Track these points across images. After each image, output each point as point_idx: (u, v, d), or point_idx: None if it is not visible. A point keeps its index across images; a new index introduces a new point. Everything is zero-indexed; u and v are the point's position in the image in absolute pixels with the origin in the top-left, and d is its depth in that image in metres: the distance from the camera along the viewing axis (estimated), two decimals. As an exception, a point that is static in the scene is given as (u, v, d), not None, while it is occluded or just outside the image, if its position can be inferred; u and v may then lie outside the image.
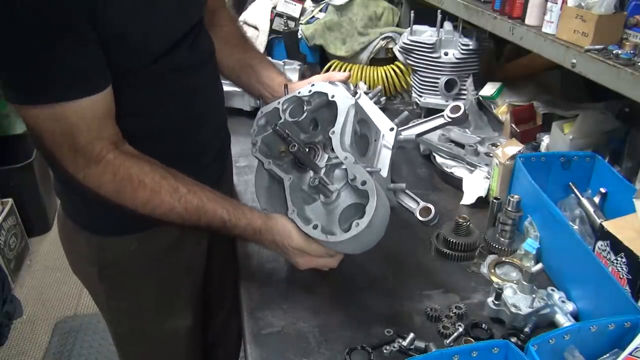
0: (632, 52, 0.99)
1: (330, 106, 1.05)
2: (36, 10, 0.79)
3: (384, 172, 1.04)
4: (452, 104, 1.12)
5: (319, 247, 1.00)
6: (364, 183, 0.92)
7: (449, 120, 1.12)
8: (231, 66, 1.30)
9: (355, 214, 0.92)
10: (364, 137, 1.09)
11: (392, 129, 1.09)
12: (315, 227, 0.95)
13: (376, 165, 1.05)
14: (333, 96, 1.04)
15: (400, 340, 0.96)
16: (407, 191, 1.05)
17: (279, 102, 1.10)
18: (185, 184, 0.99)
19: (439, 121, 1.14)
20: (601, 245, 1.01)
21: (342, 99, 1.03)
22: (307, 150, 1.04)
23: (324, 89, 1.06)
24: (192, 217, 1.00)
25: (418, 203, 1.03)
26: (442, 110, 1.19)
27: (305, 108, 1.07)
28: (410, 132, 1.19)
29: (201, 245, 1.27)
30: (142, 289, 1.21)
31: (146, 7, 0.93)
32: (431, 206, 0.99)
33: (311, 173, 1.02)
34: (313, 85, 1.08)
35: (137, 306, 1.23)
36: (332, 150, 1.01)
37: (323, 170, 1.00)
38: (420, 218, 1.00)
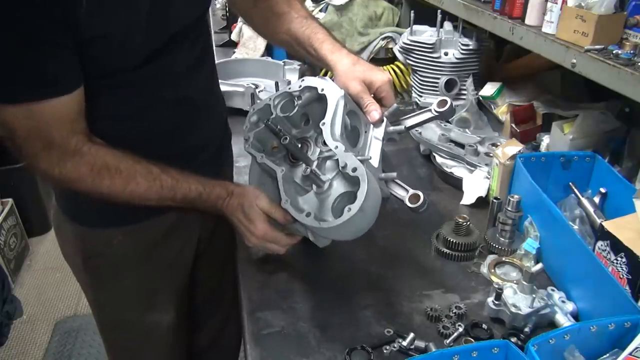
0: (632, 52, 0.99)
1: (321, 101, 1.06)
2: (8, 14, 0.80)
3: (375, 162, 1.05)
4: (439, 98, 1.13)
5: (285, 214, 1.02)
6: (354, 170, 0.93)
7: (436, 114, 1.12)
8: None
9: (348, 203, 0.93)
10: (354, 130, 1.10)
11: (382, 121, 1.10)
12: (308, 215, 0.96)
13: (367, 155, 1.06)
14: (322, 89, 1.05)
15: (400, 340, 0.96)
16: (397, 180, 1.05)
17: (270, 98, 1.11)
18: (158, 165, 1.04)
19: (427, 115, 1.15)
20: (601, 245, 1.01)
21: (332, 91, 1.04)
22: (299, 145, 1.05)
23: (314, 83, 1.07)
24: (169, 194, 1.05)
25: (407, 191, 1.03)
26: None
27: (296, 103, 1.08)
28: (399, 125, 1.19)
29: (188, 245, 1.29)
30: (123, 281, 1.23)
31: (127, 7, 0.93)
32: (420, 193, 1.00)
33: (303, 166, 1.03)
34: (303, 80, 1.09)
35: (118, 297, 1.26)
36: (324, 144, 1.02)
37: (315, 163, 1.02)
38: (410, 205, 1.00)
